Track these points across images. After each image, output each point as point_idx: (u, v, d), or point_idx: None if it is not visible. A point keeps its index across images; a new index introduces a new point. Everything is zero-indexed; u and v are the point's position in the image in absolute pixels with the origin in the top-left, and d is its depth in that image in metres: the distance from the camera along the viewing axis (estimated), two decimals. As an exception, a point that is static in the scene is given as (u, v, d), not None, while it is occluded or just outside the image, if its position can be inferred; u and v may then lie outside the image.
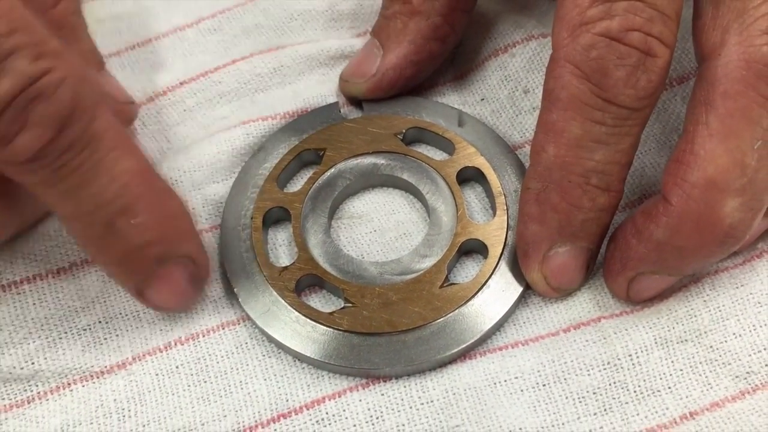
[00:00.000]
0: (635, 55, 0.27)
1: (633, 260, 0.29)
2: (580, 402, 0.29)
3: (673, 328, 0.30)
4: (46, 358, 0.31)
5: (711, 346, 0.29)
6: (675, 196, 0.27)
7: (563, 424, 0.29)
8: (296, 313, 0.31)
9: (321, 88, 0.36)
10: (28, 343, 0.31)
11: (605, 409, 0.29)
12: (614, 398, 0.29)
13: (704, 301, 0.30)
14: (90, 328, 0.31)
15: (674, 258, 0.28)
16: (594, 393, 0.29)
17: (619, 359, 0.29)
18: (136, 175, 0.27)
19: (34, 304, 0.32)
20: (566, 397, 0.29)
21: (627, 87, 0.27)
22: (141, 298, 0.29)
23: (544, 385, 0.29)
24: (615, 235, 0.30)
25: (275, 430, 0.29)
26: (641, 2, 0.27)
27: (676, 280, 0.30)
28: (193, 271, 0.29)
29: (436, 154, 0.35)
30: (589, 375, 0.29)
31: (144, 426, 0.29)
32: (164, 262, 0.29)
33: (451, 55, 0.36)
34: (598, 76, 0.27)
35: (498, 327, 0.31)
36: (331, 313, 0.31)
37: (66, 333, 0.31)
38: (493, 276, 0.31)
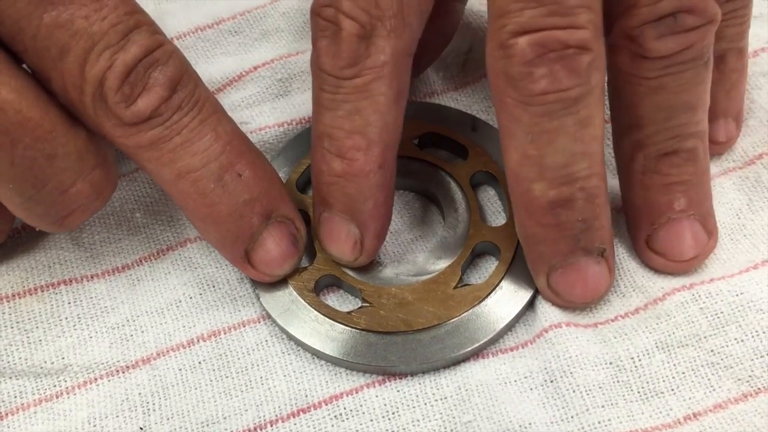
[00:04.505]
0: (330, 28, 0.29)
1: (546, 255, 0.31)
2: (587, 394, 0.30)
3: (673, 333, 0.30)
4: (75, 354, 0.32)
5: (712, 350, 0.30)
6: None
7: (572, 417, 0.29)
8: (315, 312, 0.32)
9: None
10: (61, 340, 0.32)
11: (612, 403, 0.29)
12: (619, 395, 0.30)
13: (700, 308, 0.31)
14: (118, 326, 0.32)
15: (534, 246, 0.30)
16: (600, 387, 0.30)
17: (621, 361, 0.30)
18: (236, 136, 0.30)
19: (69, 303, 0.33)
20: (573, 390, 0.30)
21: (327, 56, 0.29)
22: (246, 263, 0.31)
23: (551, 381, 0.30)
24: None
25: (295, 424, 0.30)
26: None
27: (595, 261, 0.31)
28: (294, 231, 0.31)
29: (451, 159, 0.35)
30: (594, 370, 0.30)
31: (168, 419, 0.30)
32: (269, 221, 0.30)
33: (462, 63, 0.37)
34: (312, 48, 0.30)
35: (510, 327, 0.32)
36: (348, 313, 0.31)
37: (96, 331, 0.32)
38: (505, 277, 0.32)
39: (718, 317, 0.31)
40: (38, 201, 0.28)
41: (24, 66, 0.28)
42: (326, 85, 0.30)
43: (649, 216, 0.31)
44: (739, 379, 0.30)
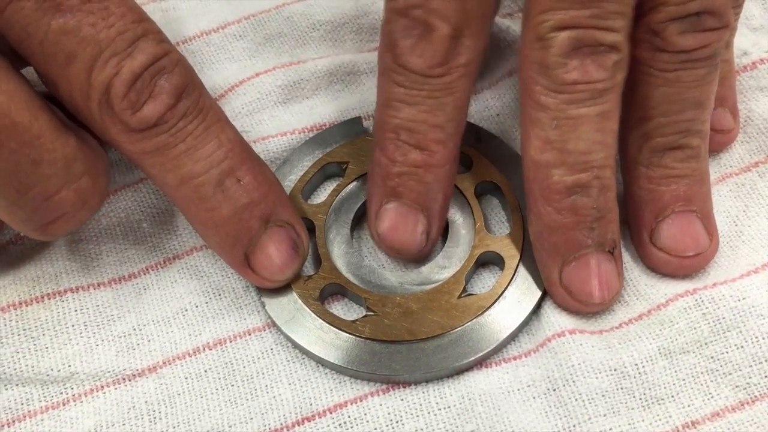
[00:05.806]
0: (418, 28, 0.30)
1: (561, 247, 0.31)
2: (590, 403, 0.30)
3: (676, 339, 0.31)
4: (82, 362, 0.32)
5: (712, 357, 0.30)
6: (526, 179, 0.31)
7: (574, 426, 0.30)
8: (320, 321, 0.32)
9: (336, 104, 0.37)
10: (68, 347, 0.32)
11: (614, 412, 0.30)
12: (621, 402, 0.30)
13: (703, 313, 0.31)
14: (124, 335, 0.33)
15: (549, 237, 0.31)
16: (603, 396, 0.30)
17: (625, 367, 0.30)
18: (237, 143, 0.31)
19: (76, 311, 0.33)
20: (576, 399, 0.30)
21: (414, 55, 0.30)
22: (246, 267, 0.31)
23: (554, 390, 0.30)
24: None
25: (299, 432, 0.30)
26: None
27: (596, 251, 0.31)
28: (294, 236, 0.31)
29: (455, 169, 0.36)
30: (596, 378, 0.30)
31: (174, 427, 0.31)
32: (269, 225, 0.31)
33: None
34: (390, 46, 0.31)
35: (514, 336, 0.32)
36: (353, 321, 0.32)
37: (103, 339, 0.32)
38: (509, 287, 0.32)
39: (720, 323, 0.31)
40: (21, 206, 0.28)
41: (23, 71, 0.28)
42: (407, 81, 0.31)
43: (652, 209, 0.32)
44: (736, 386, 0.30)
